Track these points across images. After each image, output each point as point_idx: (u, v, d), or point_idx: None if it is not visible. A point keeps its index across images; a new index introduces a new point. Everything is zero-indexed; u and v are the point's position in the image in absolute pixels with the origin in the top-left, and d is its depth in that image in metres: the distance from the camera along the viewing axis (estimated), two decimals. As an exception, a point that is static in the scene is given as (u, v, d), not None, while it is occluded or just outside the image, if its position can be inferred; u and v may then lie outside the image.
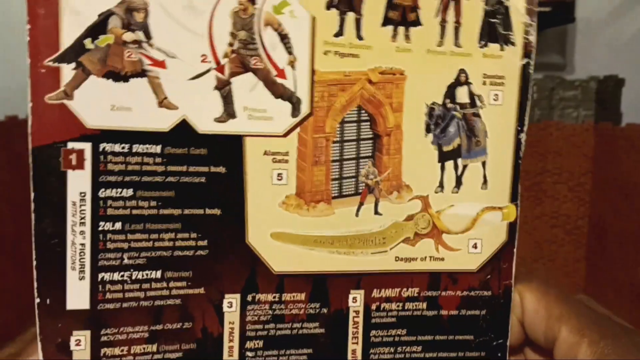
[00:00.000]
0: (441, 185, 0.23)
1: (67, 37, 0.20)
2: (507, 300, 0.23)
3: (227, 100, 0.21)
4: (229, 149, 0.21)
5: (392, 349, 0.23)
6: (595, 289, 0.71)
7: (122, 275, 0.20)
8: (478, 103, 0.23)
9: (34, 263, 0.20)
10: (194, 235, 0.21)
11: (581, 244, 0.73)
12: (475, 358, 0.23)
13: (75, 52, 0.20)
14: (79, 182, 0.20)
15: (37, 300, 0.21)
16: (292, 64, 0.21)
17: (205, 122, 0.20)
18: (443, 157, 0.23)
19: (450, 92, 0.23)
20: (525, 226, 0.73)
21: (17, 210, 0.60)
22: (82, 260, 0.20)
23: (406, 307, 0.23)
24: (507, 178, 0.24)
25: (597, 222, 0.71)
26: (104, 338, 0.20)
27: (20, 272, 0.61)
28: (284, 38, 0.21)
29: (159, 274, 0.20)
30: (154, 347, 0.21)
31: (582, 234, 0.73)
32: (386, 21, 0.21)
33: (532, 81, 0.24)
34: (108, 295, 0.20)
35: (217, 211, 0.21)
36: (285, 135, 0.21)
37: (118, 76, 0.20)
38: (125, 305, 0.20)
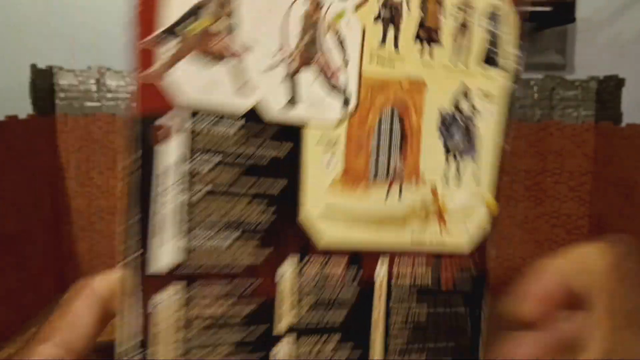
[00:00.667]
0: (446, 179, 0.28)
1: (167, 18, 0.22)
2: (483, 280, 0.29)
3: (293, 91, 0.24)
4: (290, 136, 0.24)
5: (404, 318, 0.27)
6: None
7: (204, 239, 0.23)
8: (476, 114, 0.28)
9: (123, 229, 0.22)
10: (263, 208, 0.24)
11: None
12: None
13: (174, 33, 0.22)
14: (166, 156, 0.22)
15: (124, 263, 0.22)
16: (345, 64, 0.25)
17: (272, 110, 0.24)
18: (449, 155, 0.28)
19: (457, 102, 0.28)
20: (526, 226, 0.73)
21: (17, 210, 0.60)
22: (167, 227, 0.23)
23: (415, 282, 0.27)
24: (493, 179, 0.29)
25: (597, 222, 0.71)
26: (189, 297, 0.23)
27: (21, 272, 0.61)
28: (340, 42, 0.25)
29: (234, 237, 0.24)
30: (225, 308, 0.24)
31: (583, 233, 0.73)
32: (417, 38, 0.26)
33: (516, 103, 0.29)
34: (190, 262, 0.23)
35: (277, 190, 0.24)
36: (336, 126, 0.25)
37: (207, 59, 0.23)
38: (205, 269, 0.23)
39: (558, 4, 0.69)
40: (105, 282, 0.27)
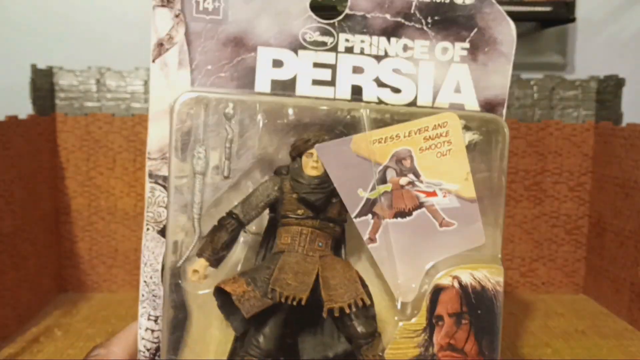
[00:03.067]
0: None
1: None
2: None
3: None
4: None
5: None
6: (595, 289, 0.71)
7: None
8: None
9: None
10: None
11: (581, 243, 0.73)
12: None
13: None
14: None
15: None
16: None
17: None
18: None
19: None
20: (525, 225, 0.73)
21: (16, 210, 0.60)
22: None
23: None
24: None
25: (597, 222, 0.71)
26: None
27: (20, 271, 0.61)
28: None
29: None
30: None
31: (582, 233, 0.73)
32: None
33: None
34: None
35: None
36: None
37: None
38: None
39: (558, 4, 0.69)
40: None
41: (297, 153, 0.28)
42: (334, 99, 0.28)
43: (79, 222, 0.70)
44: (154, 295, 0.28)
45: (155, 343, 0.28)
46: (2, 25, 0.75)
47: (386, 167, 0.27)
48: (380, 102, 0.28)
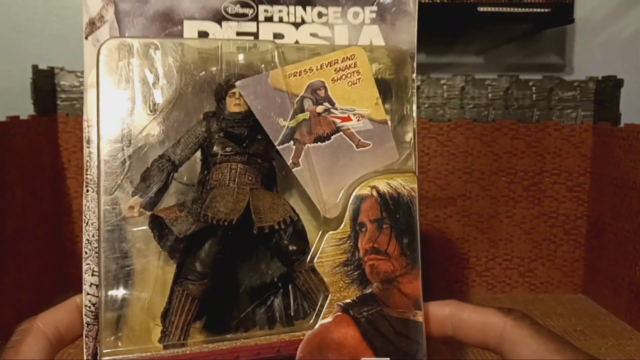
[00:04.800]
0: None
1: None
2: None
3: None
4: None
5: None
6: (594, 289, 0.72)
7: None
8: None
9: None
10: None
11: (580, 243, 0.74)
12: None
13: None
14: None
15: None
16: None
17: None
18: None
19: None
20: (524, 226, 0.73)
21: (18, 210, 0.61)
22: None
23: None
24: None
25: (595, 222, 0.71)
26: None
27: (21, 271, 0.61)
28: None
29: None
30: None
31: (581, 233, 0.73)
32: None
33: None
34: None
35: None
36: None
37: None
38: None
39: (556, 5, 0.70)
40: (50, 320, 0.28)
41: (220, 95, 0.31)
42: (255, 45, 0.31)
43: (80, 222, 0.70)
44: (96, 252, 0.29)
45: (99, 297, 0.29)
46: (3, 25, 0.76)
47: (303, 98, 0.30)
48: (299, 60, 0.31)
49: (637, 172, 0.62)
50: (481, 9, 0.69)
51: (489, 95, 0.72)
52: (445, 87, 0.72)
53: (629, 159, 0.64)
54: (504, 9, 0.69)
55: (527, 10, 0.69)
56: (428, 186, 0.72)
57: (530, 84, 0.73)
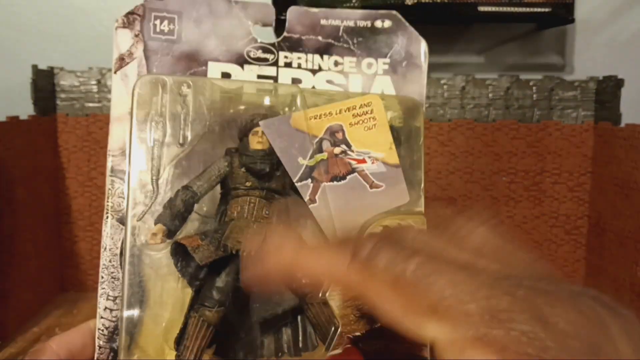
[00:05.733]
0: None
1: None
2: None
3: None
4: None
5: None
6: (595, 289, 0.71)
7: None
8: None
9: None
10: None
11: (581, 244, 0.73)
12: None
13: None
14: None
15: None
16: None
17: None
18: None
19: None
20: (525, 226, 0.73)
21: (17, 210, 0.60)
22: None
23: None
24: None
25: (596, 222, 0.71)
26: None
27: (21, 271, 0.61)
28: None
29: None
30: None
31: (582, 234, 0.73)
32: None
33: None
34: None
35: None
36: None
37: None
38: None
39: (557, 5, 0.70)
40: (63, 342, 0.28)
41: (244, 133, 0.32)
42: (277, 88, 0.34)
43: (79, 222, 0.70)
44: (112, 278, 0.30)
45: (113, 322, 0.30)
46: (3, 25, 0.76)
47: (322, 139, 0.32)
48: (316, 105, 0.34)
49: (637, 172, 0.62)
50: (481, 8, 0.69)
51: (490, 95, 0.72)
52: (445, 86, 0.72)
53: (629, 158, 0.63)
54: (505, 9, 0.69)
55: (527, 9, 0.69)
56: (429, 186, 0.72)
57: (531, 83, 0.72)
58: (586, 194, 0.73)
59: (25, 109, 0.66)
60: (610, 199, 0.68)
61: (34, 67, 0.67)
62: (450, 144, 0.72)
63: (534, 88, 0.72)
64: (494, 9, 0.69)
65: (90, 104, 0.70)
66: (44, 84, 0.69)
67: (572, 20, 0.71)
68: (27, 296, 0.61)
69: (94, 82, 0.70)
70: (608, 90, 0.71)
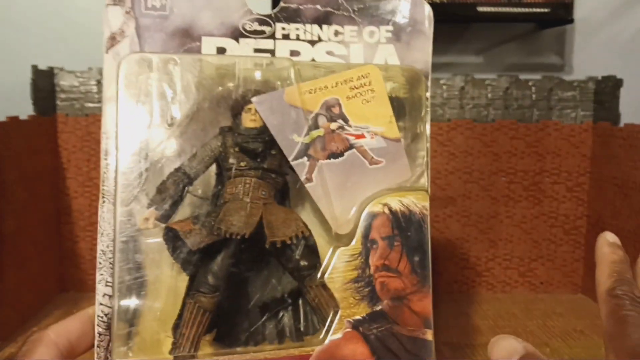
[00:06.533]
0: None
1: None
2: None
3: None
4: None
5: None
6: (594, 289, 0.71)
7: None
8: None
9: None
10: None
11: (580, 243, 0.74)
12: None
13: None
14: None
15: None
16: None
17: None
18: None
19: None
20: (524, 225, 0.73)
21: (17, 210, 0.60)
22: None
23: None
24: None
25: (595, 222, 0.71)
26: None
27: (21, 271, 0.61)
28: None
29: None
30: None
31: (581, 233, 0.73)
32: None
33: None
34: None
35: None
36: None
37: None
38: None
39: (556, 5, 0.70)
40: (62, 330, 0.28)
41: (237, 111, 0.31)
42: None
43: (80, 222, 0.70)
44: (110, 263, 0.29)
45: (112, 307, 0.29)
46: (3, 25, 0.76)
47: (317, 115, 0.30)
48: (314, 77, 0.32)
49: (636, 171, 0.62)
50: (481, 8, 0.69)
51: (489, 95, 0.72)
52: (444, 87, 0.72)
53: (628, 158, 0.64)
54: (504, 9, 0.69)
55: (526, 10, 0.69)
56: (428, 186, 0.72)
57: (530, 83, 0.73)
58: (585, 193, 0.73)
59: (25, 109, 0.66)
60: (609, 198, 0.68)
61: (34, 67, 0.68)
62: (450, 144, 0.72)
63: (533, 88, 0.73)
64: (493, 9, 0.69)
65: (90, 104, 0.70)
66: (44, 84, 0.69)
67: (571, 21, 0.71)
68: (27, 296, 0.61)
69: (93, 82, 0.70)
70: (607, 90, 0.71)
